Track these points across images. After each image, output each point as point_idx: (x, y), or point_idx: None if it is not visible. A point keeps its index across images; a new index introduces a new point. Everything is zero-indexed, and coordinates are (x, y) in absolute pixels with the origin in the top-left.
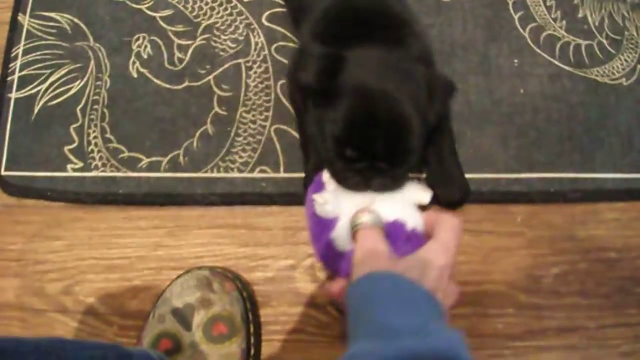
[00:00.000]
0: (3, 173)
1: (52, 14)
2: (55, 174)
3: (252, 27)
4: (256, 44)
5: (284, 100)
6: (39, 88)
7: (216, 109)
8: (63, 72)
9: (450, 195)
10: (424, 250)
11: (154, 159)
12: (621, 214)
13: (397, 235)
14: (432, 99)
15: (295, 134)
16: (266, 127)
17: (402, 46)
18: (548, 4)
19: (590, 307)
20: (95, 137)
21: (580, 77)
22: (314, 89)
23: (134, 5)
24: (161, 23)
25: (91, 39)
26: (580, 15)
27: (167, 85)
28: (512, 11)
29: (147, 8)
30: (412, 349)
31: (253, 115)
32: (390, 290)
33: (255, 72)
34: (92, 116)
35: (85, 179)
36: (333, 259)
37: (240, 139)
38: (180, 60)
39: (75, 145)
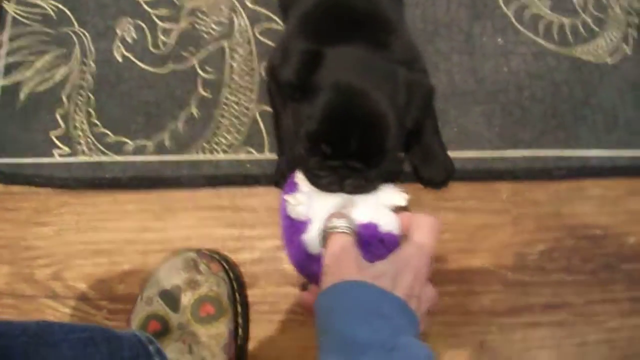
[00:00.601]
0: None
1: (37, 0)
2: (42, 160)
3: (236, 9)
4: (240, 26)
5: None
6: (24, 75)
7: (201, 91)
8: (48, 58)
9: (434, 175)
10: (397, 255)
11: (139, 142)
12: (606, 190)
13: (370, 238)
14: (410, 103)
15: None
16: (250, 109)
17: (386, 48)
18: None
19: (577, 284)
20: (81, 122)
21: (564, 55)
22: (293, 85)
23: None
24: (145, 7)
25: (76, 24)
26: None
27: (152, 69)
28: None
29: None
30: None
31: (237, 97)
32: (357, 301)
33: (239, 54)
34: (77, 101)
35: (72, 165)
36: (306, 263)
37: (225, 120)
38: (165, 44)
39: (61, 130)
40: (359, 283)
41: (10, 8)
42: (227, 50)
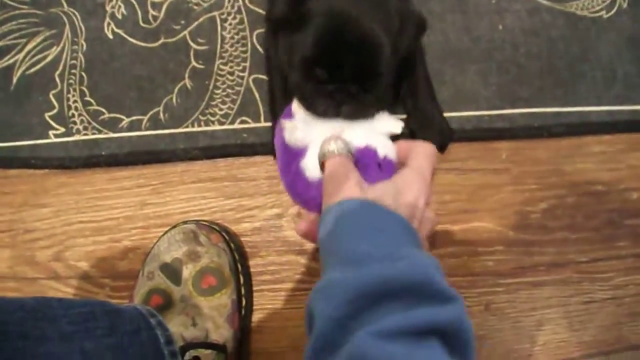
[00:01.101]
0: None
1: None
2: (37, 141)
3: None
4: None
5: (260, 50)
6: (16, 58)
7: (193, 63)
8: (39, 39)
9: (432, 139)
10: (398, 177)
11: (134, 118)
12: (607, 146)
13: (368, 162)
14: (402, 30)
15: None
16: (244, 78)
17: None
18: None
19: (580, 241)
20: (75, 102)
21: (559, 10)
22: (285, 17)
23: None
24: None
25: (65, 4)
26: None
27: (143, 44)
28: None
29: None
30: (381, 274)
31: (231, 67)
32: (360, 217)
33: (230, 24)
34: (70, 81)
35: (68, 144)
36: (303, 189)
37: (219, 91)
38: (155, 18)
39: (55, 111)
40: (362, 200)
41: None
42: (218, 20)
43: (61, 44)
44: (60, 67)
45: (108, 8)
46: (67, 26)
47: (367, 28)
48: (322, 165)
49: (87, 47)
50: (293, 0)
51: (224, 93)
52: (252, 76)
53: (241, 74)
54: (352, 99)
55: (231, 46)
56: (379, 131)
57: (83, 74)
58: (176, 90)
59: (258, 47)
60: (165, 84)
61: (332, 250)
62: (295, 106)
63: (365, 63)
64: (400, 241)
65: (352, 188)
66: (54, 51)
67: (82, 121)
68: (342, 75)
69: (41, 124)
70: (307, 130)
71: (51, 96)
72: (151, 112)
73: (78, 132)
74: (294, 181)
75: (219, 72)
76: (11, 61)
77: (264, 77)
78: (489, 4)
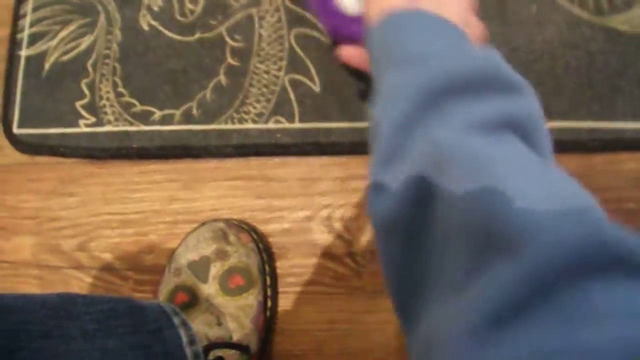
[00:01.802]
0: (15, 131)
1: None
2: (67, 130)
3: None
4: None
5: (298, 50)
6: (48, 44)
7: (229, 60)
8: (72, 27)
9: None
10: None
11: (166, 111)
12: None
13: None
14: None
15: (310, 84)
16: (280, 77)
17: None
18: None
19: None
20: (107, 92)
21: (599, 25)
22: None
23: None
24: None
25: None
26: None
27: (179, 37)
28: None
29: None
30: (444, 68)
31: (267, 66)
32: (412, 23)
33: (268, 22)
34: (103, 71)
35: (98, 134)
36: (343, 24)
37: (254, 89)
38: (192, 12)
39: (87, 100)
40: (411, 9)
41: None
42: (255, 18)
43: (95, 33)
44: (94, 56)
45: None
46: (102, 15)
47: None
48: None
49: (121, 37)
50: None
51: (259, 92)
52: (288, 76)
53: (277, 73)
54: None
55: (268, 44)
56: None
57: (116, 64)
58: (210, 86)
59: (295, 46)
60: (200, 79)
61: (385, 58)
62: None
63: None
64: (457, 40)
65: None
66: (87, 40)
67: (113, 112)
68: None
69: (72, 112)
70: None
71: (83, 85)
72: (184, 107)
73: (109, 122)
74: (333, 19)
75: (255, 70)
76: (44, 47)
77: (300, 77)
78: (530, 15)
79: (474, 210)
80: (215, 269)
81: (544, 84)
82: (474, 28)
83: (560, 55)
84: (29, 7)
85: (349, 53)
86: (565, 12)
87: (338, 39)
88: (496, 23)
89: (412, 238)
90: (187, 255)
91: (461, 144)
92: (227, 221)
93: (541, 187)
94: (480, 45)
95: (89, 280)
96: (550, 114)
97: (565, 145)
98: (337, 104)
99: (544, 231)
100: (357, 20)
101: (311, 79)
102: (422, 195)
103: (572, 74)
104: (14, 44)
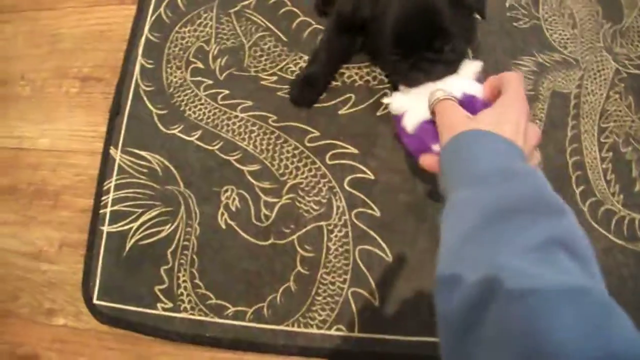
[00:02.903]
0: (95, 302)
1: (143, 153)
2: (146, 310)
3: (335, 190)
4: (338, 208)
5: (361, 265)
6: (130, 226)
7: (299, 267)
8: (154, 213)
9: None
10: (498, 103)
11: (239, 308)
12: None
13: (465, 106)
14: None
15: (371, 298)
16: (344, 290)
17: None
18: (608, 177)
19: None
20: (184, 281)
21: (631, 250)
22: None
23: (223, 156)
24: (249, 177)
25: (181, 184)
26: (636, 189)
27: (254, 240)
28: (574, 186)
29: (236, 160)
30: (503, 193)
31: (332, 277)
32: (473, 143)
33: (336, 236)
34: (182, 260)
35: (175, 319)
36: (409, 141)
37: (319, 298)
38: (267, 217)
39: (165, 286)
40: (473, 129)
41: (117, 155)
42: (325, 230)
43: (175, 223)
44: (173, 246)
45: (223, 198)
46: (183, 207)
47: (430, 2)
48: (432, 112)
49: (200, 232)
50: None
51: (324, 301)
52: (352, 289)
53: (341, 285)
54: (434, 63)
55: (335, 257)
56: (464, 77)
57: (194, 256)
58: (281, 289)
59: (359, 262)
60: (272, 282)
61: (453, 174)
62: (401, 87)
63: (430, 32)
64: (510, 158)
65: (460, 121)
66: (167, 228)
67: (189, 301)
68: (417, 48)
69: (150, 294)
70: (402, 99)
71: (162, 271)
72: (256, 306)
73: (185, 310)
74: (403, 138)
75: (322, 280)
76: (126, 227)
77: (362, 291)
78: None
79: (521, 330)
80: None
81: None
82: (531, 135)
83: None
84: (112, 184)
85: (428, 161)
86: (602, 239)
87: (409, 152)
88: None
89: (467, 334)
90: None
91: (517, 269)
92: None
93: (583, 321)
94: (531, 163)
95: None
96: None
97: None
98: (393, 318)
99: None
100: (414, 136)
101: (372, 293)
102: (481, 300)
103: None
104: (96, 217)
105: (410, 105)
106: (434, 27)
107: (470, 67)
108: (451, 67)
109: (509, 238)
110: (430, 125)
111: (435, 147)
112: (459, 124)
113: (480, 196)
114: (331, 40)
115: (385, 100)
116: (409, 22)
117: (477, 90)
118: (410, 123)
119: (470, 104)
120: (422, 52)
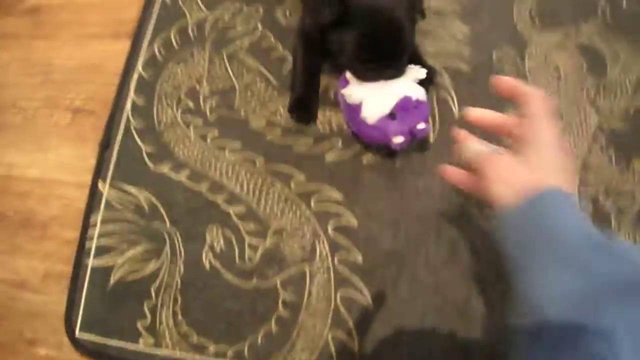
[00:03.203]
0: (77, 335)
1: (131, 188)
2: (127, 344)
3: (319, 235)
4: (321, 252)
5: (342, 310)
6: (115, 261)
7: (280, 310)
8: (140, 249)
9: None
10: (534, 137)
11: (220, 347)
12: None
13: (407, 105)
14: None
15: (350, 342)
16: (325, 334)
17: None
18: None
19: None
20: (167, 318)
21: None
22: (332, 18)
23: (210, 196)
24: (235, 219)
25: (167, 222)
26: None
27: (237, 281)
28: None
29: (223, 201)
30: (604, 272)
31: (314, 321)
32: (547, 207)
33: (318, 281)
34: (165, 297)
35: (156, 356)
36: (368, 131)
37: (300, 341)
38: (250, 259)
39: (147, 321)
40: (549, 193)
41: (105, 190)
42: (307, 274)
43: (160, 260)
44: (157, 282)
45: (208, 238)
46: (168, 245)
47: (396, 19)
48: (469, 167)
49: (184, 271)
50: (336, 6)
51: (305, 344)
52: (332, 333)
53: (322, 329)
54: (389, 67)
55: (317, 301)
56: (409, 80)
57: (178, 295)
58: (262, 331)
59: (340, 307)
60: (253, 324)
61: (532, 244)
62: (349, 75)
63: (394, 47)
64: (597, 232)
65: (520, 173)
66: (152, 265)
67: (171, 338)
68: (381, 56)
69: (132, 329)
70: (359, 92)
71: (145, 307)
72: (236, 346)
73: (167, 346)
74: (361, 127)
75: (303, 323)
76: (111, 263)
77: (343, 335)
78: None
79: None
80: None
81: None
82: (570, 170)
83: None
84: (98, 217)
85: (454, 174)
86: None
87: (364, 139)
88: None
89: None
90: None
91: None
92: None
93: None
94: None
95: None
96: None
97: None
98: None
99: None
100: (376, 127)
101: (351, 337)
102: None
103: None
104: (82, 250)
105: (366, 95)
106: (400, 44)
107: (415, 74)
108: (401, 72)
109: (614, 325)
110: (390, 119)
111: (395, 140)
112: (516, 178)
113: (579, 278)
114: (305, 63)
115: (345, 92)
116: (376, 38)
117: (417, 93)
118: (371, 116)
119: (406, 106)
120: (384, 62)
